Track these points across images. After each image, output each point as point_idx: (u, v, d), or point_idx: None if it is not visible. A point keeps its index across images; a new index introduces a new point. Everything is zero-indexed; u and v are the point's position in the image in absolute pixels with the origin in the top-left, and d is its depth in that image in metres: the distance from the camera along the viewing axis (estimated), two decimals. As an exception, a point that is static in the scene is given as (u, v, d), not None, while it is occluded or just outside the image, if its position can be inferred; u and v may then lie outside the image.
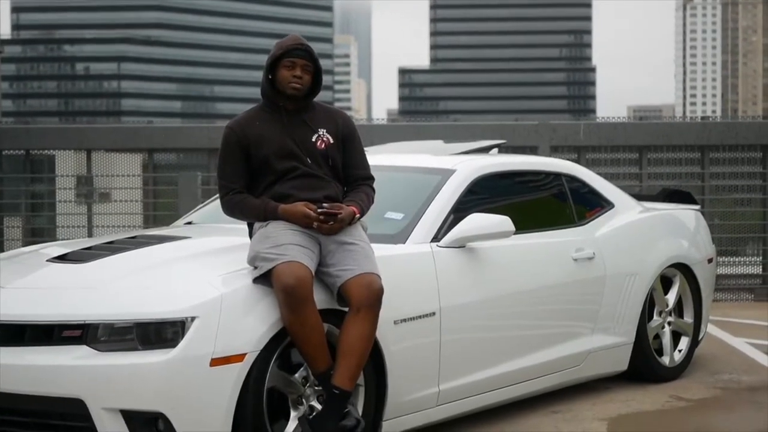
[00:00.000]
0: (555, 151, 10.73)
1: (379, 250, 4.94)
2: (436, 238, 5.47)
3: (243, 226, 5.08)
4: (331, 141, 4.95)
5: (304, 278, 4.47)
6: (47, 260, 5.12)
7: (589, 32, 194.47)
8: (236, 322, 4.42)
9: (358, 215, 4.84)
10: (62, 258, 5.13)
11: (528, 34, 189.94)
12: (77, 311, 4.45)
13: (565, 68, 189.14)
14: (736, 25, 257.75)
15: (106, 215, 11.81)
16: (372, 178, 5.08)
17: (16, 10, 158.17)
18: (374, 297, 4.59)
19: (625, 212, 6.91)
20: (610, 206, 6.82)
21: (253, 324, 4.46)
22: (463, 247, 5.52)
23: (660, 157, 11.09)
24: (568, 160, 7.18)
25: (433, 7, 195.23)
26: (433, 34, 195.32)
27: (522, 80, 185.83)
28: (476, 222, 5.50)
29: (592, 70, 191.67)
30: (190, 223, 6.27)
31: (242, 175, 4.89)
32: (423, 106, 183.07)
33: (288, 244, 4.61)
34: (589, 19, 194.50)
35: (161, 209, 11.49)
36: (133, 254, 5.05)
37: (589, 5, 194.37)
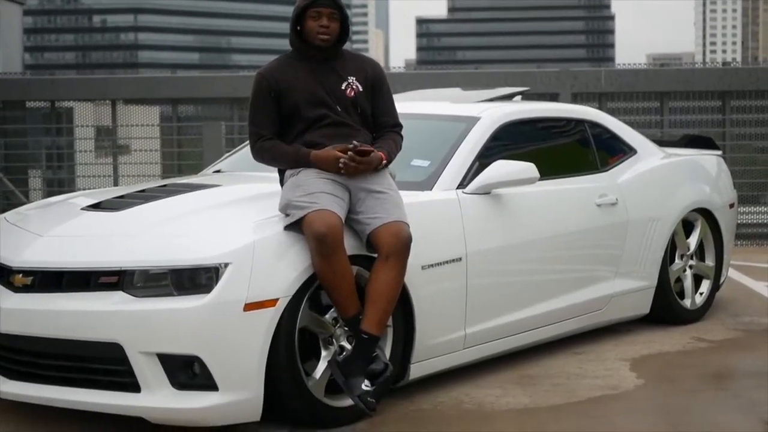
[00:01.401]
0: (576, 98, 10.76)
1: (407, 197, 5.02)
2: (462, 185, 5.55)
3: (272, 173, 5.16)
4: (361, 89, 5.00)
5: (334, 226, 4.55)
6: (81, 209, 5.23)
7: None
8: (268, 268, 4.52)
9: (385, 161, 4.90)
10: (96, 206, 5.24)
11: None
12: (113, 258, 4.56)
13: (583, 16, 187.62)
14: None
15: (128, 165, 11.91)
16: (400, 126, 5.15)
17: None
18: (403, 245, 4.67)
19: (648, 158, 6.97)
20: (633, 152, 6.88)
21: (284, 270, 4.55)
22: (489, 193, 5.60)
23: (681, 106, 11.10)
24: (589, 107, 7.24)
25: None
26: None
27: (540, 29, 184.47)
28: (501, 169, 5.57)
29: (611, 18, 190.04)
30: (218, 171, 6.37)
31: (273, 122, 4.96)
32: (441, 56, 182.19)
33: (319, 193, 4.69)
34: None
35: (185, 159, 11.59)
36: (165, 202, 5.16)
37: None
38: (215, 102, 11.79)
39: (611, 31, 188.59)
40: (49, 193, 11.40)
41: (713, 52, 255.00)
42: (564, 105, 7.25)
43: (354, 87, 4.99)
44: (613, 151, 6.78)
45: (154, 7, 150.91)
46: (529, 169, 5.61)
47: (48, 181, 12.00)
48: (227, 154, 6.71)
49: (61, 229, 4.95)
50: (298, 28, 4.98)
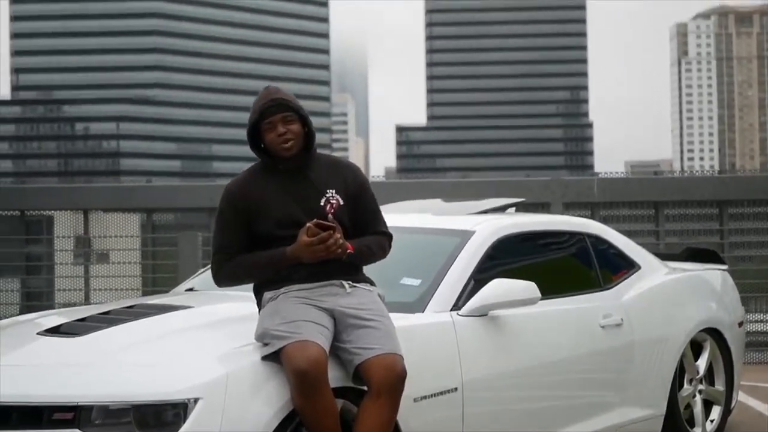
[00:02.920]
0: (568, 208, 10.39)
1: (396, 319, 4.54)
2: (457, 306, 5.07)
3: (249, 292, 4.68)
4: (341, 202, 4.51)
5: (318, 360, 4.05)
6: (37, 333, 4.71)
7: (585, 88, 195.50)
8: (243, 404, 4.01)
9: (350, 250, 4.40)
10: (54, 330, 4.73)
11: (524, 90, 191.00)
12: (69, 392, 4.03)
13: (561, 124, 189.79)
14: (732, 80, 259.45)
15: (105, 278, 11.44)
16: (389, 234, 4.68)
17: (16, 71, 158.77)
18: (397, 380, 4.17)
19: (652, 274, 6.53)
20: (636, 268, 6.44)
21: (261, 406, 4.04)
22: (485, 315, 5.13)
23: (677, 213, 10.75)
24: (582, 217, 6.82)
25: (430, 64, 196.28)
26: (430, 91, 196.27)
27: (519, 137, 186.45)
28: (499, 288, 5.11)
29: (589, 125, 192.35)
30: (191, 289, 5.87)
31: (240, 243, 4.48)
32: (421, 163, 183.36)
33: (300, 321, 4.20)
34: (585, 75, 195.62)
35: (161, 271, 11.11)
36: (130, 326, 4.65)
37: (585, 61, 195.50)
38: (192, 211, 11.38)
39: (590, 139, 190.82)
40: (23, 307, 10.90)
41: (691, 159, 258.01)
42: (563, 217, 6.83)
43: (333, 201, 4.50)
44: (615, 266, 6.34)
45: (137, 116, 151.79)
46: (529, 288, 5.15)
47: (23, 294, 11.48)
48: (201, 270, 6.22)
49: (11, 358, 4.43)
50: (262, 145, 4.54)
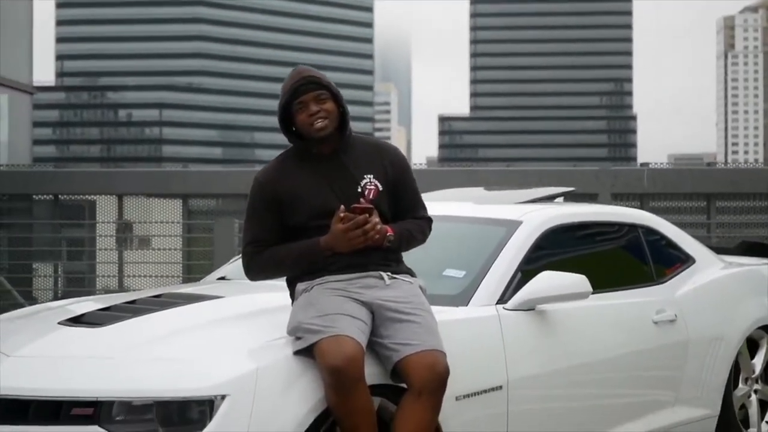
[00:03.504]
0: (616, 198, 10.06)
1: (439, 313, 4.26)
2: (502, 300, 4.78)
3: (283, 283, 4.41)
4: (380, 187, 4.22)
5: (354, 357, 3.77)
6: (58, 323, 4.47)
7: (630, 80, 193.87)
8: (273, 401, 3.74)
9: (390, 233, 4.13)
10: (75, 320, 4.48)
11: (568, 82, 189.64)
12: (89, 386, 3.79)
13: (605, 116, 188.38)
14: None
15: (145, 264, 11.25)
16: (429, 218, 4.39)
17: (60, 57, 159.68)
18: (439, 380, 3.89)
19: (707, 268, 6.19)
20: (691, 261, 6.12)
21: (292, 404, 3.77)
22: (533, 309, 4.83)
23: (729, 206, 10.38)
24: (632, 207, 6.50)
25: (473, 55, 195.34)
26: (473, 82, 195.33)
27: (561, 128, 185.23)
28: (548, 281, 4.81)
29: (633, 118, 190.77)
30: (223, 278, 5.61)
31: (273, 235, 4.22)
32: (463, 153, 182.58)
33: (335, 314, 3.92)
34: (630, 67, 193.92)
35: (197, 258, 10.89)
36: (156, 317, 4.39)
37: (630, 54, 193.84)
38: (229, 197, 11.14)
39: (633, 131, 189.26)
40: (64, 292, 10.73)
41: (735, 152, 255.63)
42: (614, 208, 6.49)
43: (372, 187, 4.20)
44: (669, 260, 6.02)
45: (179, 103, 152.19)
46: (580, 282, 4.85)
47: (65, 279, 11.31)
48: (234, 258, 5.96)
49: (30, 348, 4.18)
50: (293, 129, 4.26)
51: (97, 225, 11.44)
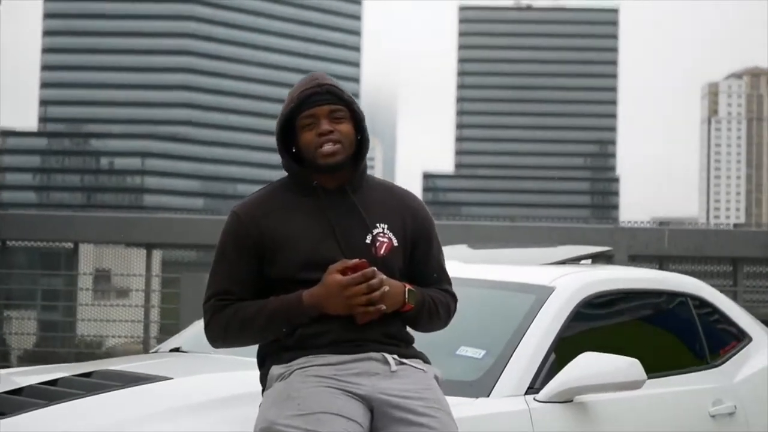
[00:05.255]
0: (633, 260, 9.03)
1: (453, 406, 3.20)
2: (533, 389, 3.73)
3: (253, 357, 3.34)
4: (395, 243, 3.19)
5: None
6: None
7: (613, 142, 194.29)
8: None
9: (409, 289, 3.12)
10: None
11: (552, 142, 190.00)
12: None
13: (588, 177, 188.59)
14: (762, 140, 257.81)
15: (102, 322, 10.17)
16: (454, 295, 3.35)
17: (44, 103, 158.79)
18: None
19: (764, 348, 5.14)
20: (747, 340, 5.05)
21: None
22: (570, 401, 3.77)
23: (758, 271, 9.38)
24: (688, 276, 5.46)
25: (459, 113, 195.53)
26: (458, 139, 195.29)
27: (544, 188, 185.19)
28: (592, 366, 3.75)
29: (616, 180, 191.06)
30: (177, 349, 4.48)
31: (246, 288, 3.15)
32: (447, 211, 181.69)
33: (322, 414, 2.86)
34: (614, 129, 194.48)
35: (165, 316, 9.81)
36: (73, 407, 3.27)
37: (614, 116, 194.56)
38: (201, 248, 10.06)
39: (615, 193, 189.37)
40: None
41: (717, 217, 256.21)
42: (659, 273, 5.42)
43: (385, 240, 3.17)
44: (723, 338, 4.96)
45: (163, 152, 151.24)
46: (632, 367, 3.79)
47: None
48: (193, 324, 4.84)
49: None
50: (294, 150, 3.23)
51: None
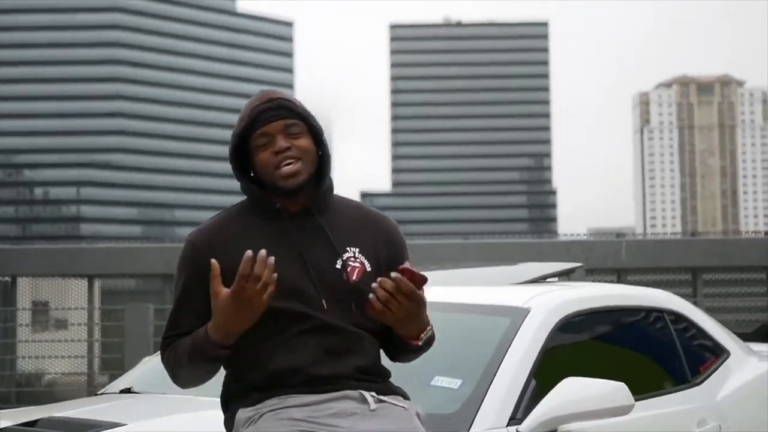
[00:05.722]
0: (591, 274, 8.83)
1: (432, 443, 2.94)
2: (515, 419, 3.48)
3: (213, 397, 3.04)
4: (368, 268, 2.92)
5: None
6: None
7: (548, 155, 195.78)
8: None
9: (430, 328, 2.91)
10: None
11: (488, 157, 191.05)
12: None
13: (526, 191, 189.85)
14: (693, 148, 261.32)
15: (45, 359, 9.75)
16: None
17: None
18: None
19: (743, 362, 4.94)
20: (725, 355, 4.85)
21: None
22: (555, 431, 3.52)
23: (717, 278, 9.25)
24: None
25: (394, 131, 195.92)
26: (395, 157, 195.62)
27: (482, 203, 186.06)
28: (576, 392, 3.51)
29: (553, 192, 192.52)
30: (128, 390, 4.17)
31: (204, 318, 2.83)
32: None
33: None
34: (548, 142, 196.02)
35: (109, 350, 9.44)
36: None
37: (548, 129, 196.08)
38: (144, 278, 9.70)
39: (553, 205, 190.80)
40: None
41: (653, 226, 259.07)
42: (633, 288, 5.17)
43: (357, 264, 2.91)
44: (702, 354, 4.75)
45: (98, 180, 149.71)
46: (619, 392, 3.56)
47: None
48: (144, 360, 4.53)
49: None
50: (252, 173, 2.95)
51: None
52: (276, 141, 2.87)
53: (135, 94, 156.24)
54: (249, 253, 2.67)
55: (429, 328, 2.91)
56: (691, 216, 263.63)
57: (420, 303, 2.78)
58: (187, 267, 2.90)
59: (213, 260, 2.74)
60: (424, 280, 2.76)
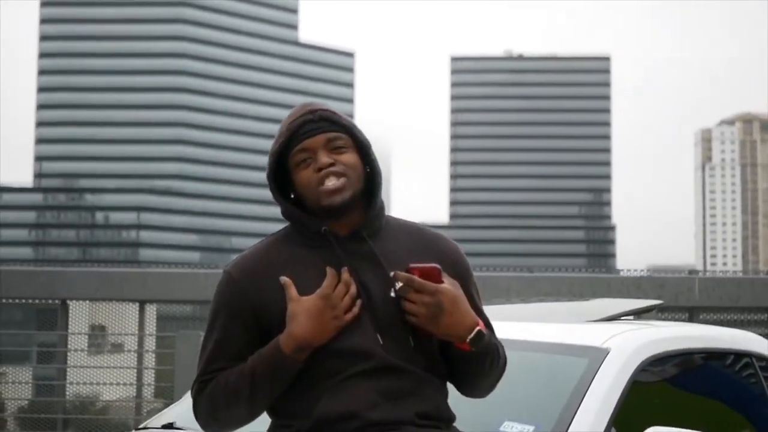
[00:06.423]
0: (661, 311, 8.46)
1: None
2: (594, 471, 3.14)
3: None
4: None
5: None
6: None
7: (608, 190, 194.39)
8: None
9: (480, 330, 2.55)
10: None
11: (547, 191, 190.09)
12: None
13: (584, 226, 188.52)
14: (756, 186, 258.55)
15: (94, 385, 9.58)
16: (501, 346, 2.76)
17: (39, 158, 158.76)
18: None
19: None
20: (816, 404, 4.47)
21: None
22: (638, 487, 3.19)
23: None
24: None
25: (453, 163, 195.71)
26: (453, 189, 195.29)
27: (540, 237, 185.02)
28: (662, 443, 3.17)
29: (612, 228, 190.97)
30: (170, 426, 3.88)
31: (242, 360, 2.56)
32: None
33: None
34: (608, 177, 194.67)
35: (160, 378, 9.22)
36: None
37: (608, 164, 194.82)
38: (199, 304, 9.48)
39: (612, 241, 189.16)
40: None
41: (713, 264, 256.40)
42: (717, 329, 4.82)
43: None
44: (791, 402, 4.38)
45: (158, 206, 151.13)
46: (711, 444, 3.21)
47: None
48: (187, 394, 4.24)
49: None
50: (291, 195, 2.65)
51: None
52: (318, 157, 2.57)
53: (196, 122, 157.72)
54: (332, 271, 2.46)
55: (477, 328, 2.57)
56: (752, 255, 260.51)
57: (436, 294, 2.47)
58: (223, 304, 2.61)
59: (283, 278, 2.50)
60: (437, 270, 2.48)
